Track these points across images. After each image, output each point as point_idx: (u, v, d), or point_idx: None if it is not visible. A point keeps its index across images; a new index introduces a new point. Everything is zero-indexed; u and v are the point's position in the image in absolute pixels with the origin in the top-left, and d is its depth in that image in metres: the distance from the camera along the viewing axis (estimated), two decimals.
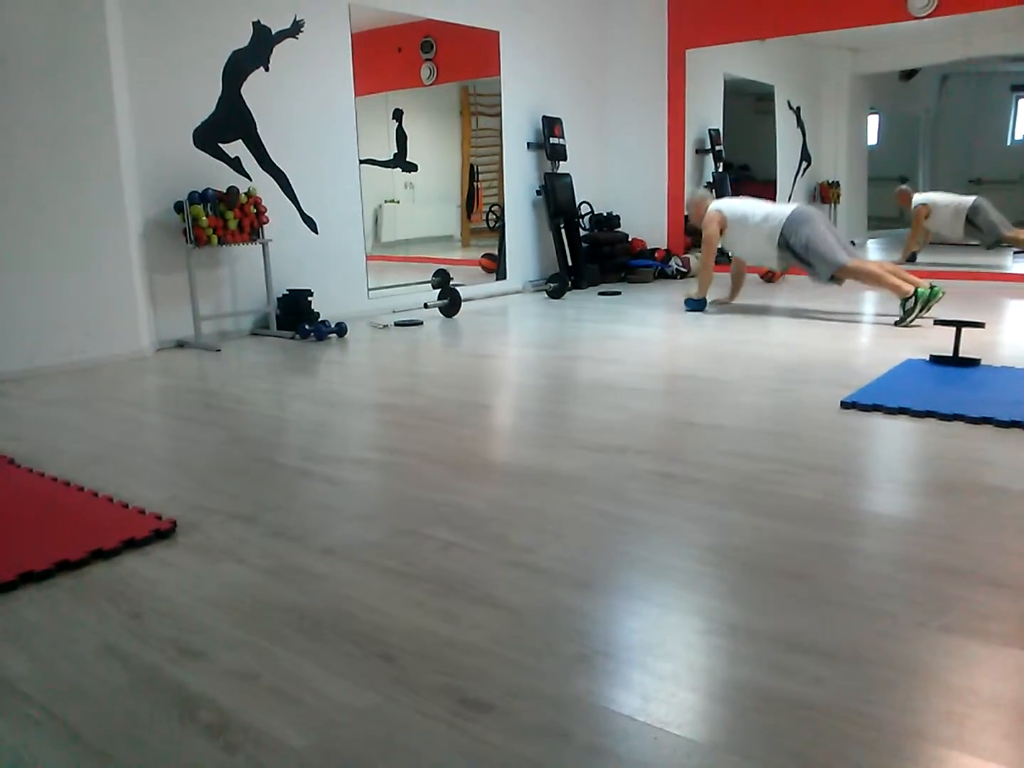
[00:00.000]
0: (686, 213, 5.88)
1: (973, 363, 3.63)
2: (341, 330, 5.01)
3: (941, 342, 3.98)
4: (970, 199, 7.32)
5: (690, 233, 7.66)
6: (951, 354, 3.68)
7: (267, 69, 5.14)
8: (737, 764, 1.20)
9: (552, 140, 7.10)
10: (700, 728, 1.29)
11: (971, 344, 3.84)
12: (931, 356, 3.76)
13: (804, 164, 8.64)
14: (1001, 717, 1.29)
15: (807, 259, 5.06)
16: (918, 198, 7.60)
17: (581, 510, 2.20)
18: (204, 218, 4.61)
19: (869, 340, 4.49)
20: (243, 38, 5.01)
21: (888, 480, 2.45)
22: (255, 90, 5.09)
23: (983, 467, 2.46)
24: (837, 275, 4.99)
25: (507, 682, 1.42)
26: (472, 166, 7.48)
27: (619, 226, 7.74)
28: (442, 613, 1.66)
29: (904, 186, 7.78)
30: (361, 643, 1.56)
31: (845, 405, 3.11)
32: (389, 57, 6.55)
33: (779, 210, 5.21)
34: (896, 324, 4.73)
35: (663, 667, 1.45)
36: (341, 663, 1.50)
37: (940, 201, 7.50)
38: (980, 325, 3.78)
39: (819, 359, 3.99)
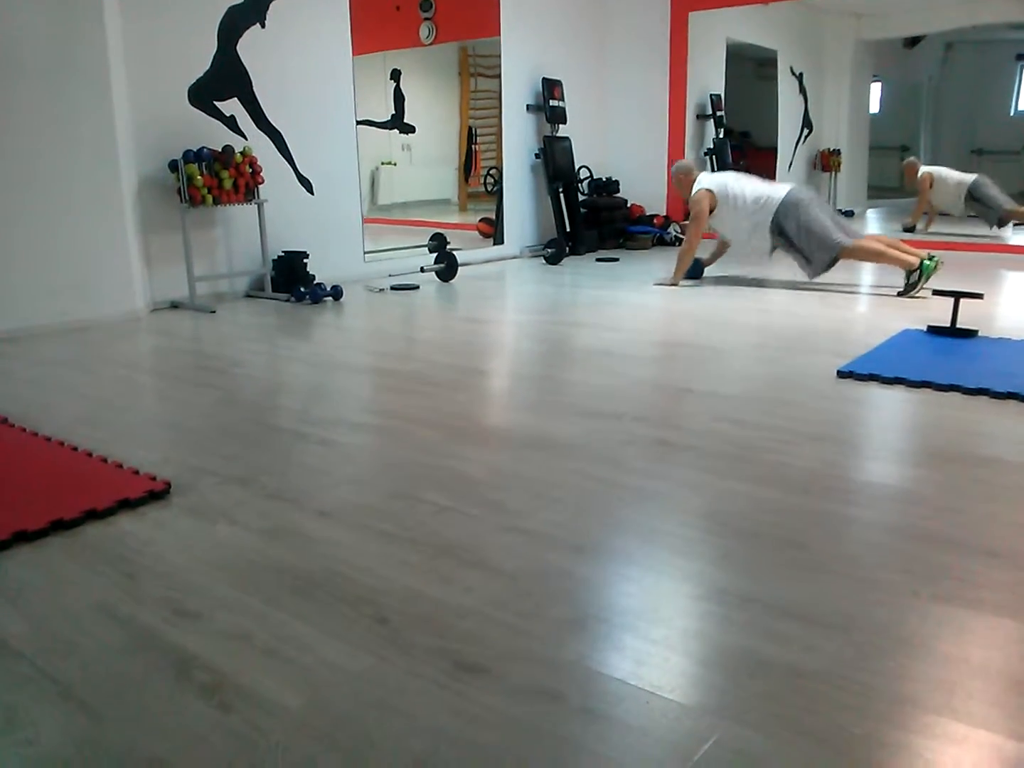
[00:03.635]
0: (674, 183, 5.56)
1: (970, 334, 3.62)
2: (337, 293, 4.98)
3: (939, 313, 3.97)
4: (971, 176, 7.28)
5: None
6: (949, 325, 3.67)
7: (263, 26, 5.06)
8: (729, 729, 1.20)
9: (552, 103, 7.02)
10: (692, 693, 1.30)
11: (969, 315, 3.83)
12: (928, 326, 3.75)
13: (805, 131, 8.57)
14: (991, 685, 1.30)
15: (802, 247, 4.89)
16: (924, 168, 7.56)
17: (576, 475, 2.20)
18: (199, 177, 4.56)
19: (866, 310, 4.48)
20: None
21: (883, 449, 2.45)
22: (251, 47, 5.01)
23: (978, 438, 2.46)
24: (837, 257, 4.83)
25: (501, 645, 1.42)
26: (470, 128, 7.40)
27: (618, 191, 7.68)
28: (436, 576, 1.66)
29: (911, 158, 7.73)
30: (355, 605, 1.56)
31: (842, 374, 3.11)
32: (387, 15, 6.44)
33: (771, 193, 5.00)
34: (899, 295, 4.71)
35: (656, 632, 1.46)
36: (335, 625, 1.50)
37: (944, 173, 7.46)
38: (979, 296, 3.76)
39: (816, 328, 3.98)
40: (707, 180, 5.27)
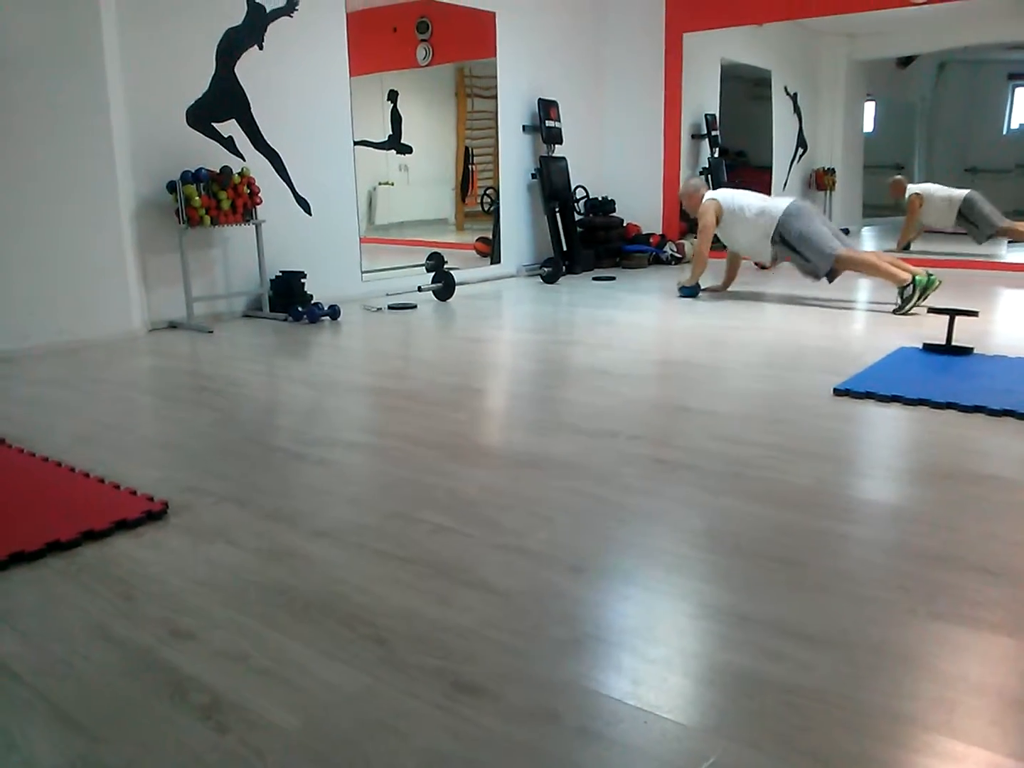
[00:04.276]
0: (681, 202, 5.87)
1: (966, 352, 3.63)
2: (334, 313, 4.99)
3: (934, 330, 3.98)
4: (963, 192, 7.32)
5: (685, 219, 7.65)
6: (944, 342, 3.68)
7: (261, 48, 5.10)
8: (727, 748, 1.20)
9: (548, 123, 7.07)
10: (690, 712, 1.30)
11: (964, 333, 3.85)
12: (924, 344, 3.76)
13: (800, 150, 8.62)
14: (989, 703, 1.30)
15: (802, 252, 5.08)
16: (912, 188, 7.61)
17: (573, 494, 2.20)
18: (197, 198, 4.58)
19: (862, 327, 4.49)
20: (237, 16, 4.95)
21: (880, 467, 2.46)
22: (249, 69, 5.05)
23: (975, 455, 2.46)
24: (834, 266, 4.99)
25: (498, 665, 1.42)
26: (467, 149, 7.45)
27: (614, 211, 7.72)
28: (434, 596, 1.66)
29: (898, 176, 7.79)
30: (352, 625, 1.56)
31: (838, 392, 3.12)
32: (384, 37, 6.50)
33: (774, 205, 5.22)
34: (894, 312, 4.73)
35: (653, 651, 1.45)
36: (332, 645, 1.50)
37: (934, 191, 7.50)
38: (974, 314, 3.78)
39: (812, 346, 3.99)
40: (713, 193, 5.54)
